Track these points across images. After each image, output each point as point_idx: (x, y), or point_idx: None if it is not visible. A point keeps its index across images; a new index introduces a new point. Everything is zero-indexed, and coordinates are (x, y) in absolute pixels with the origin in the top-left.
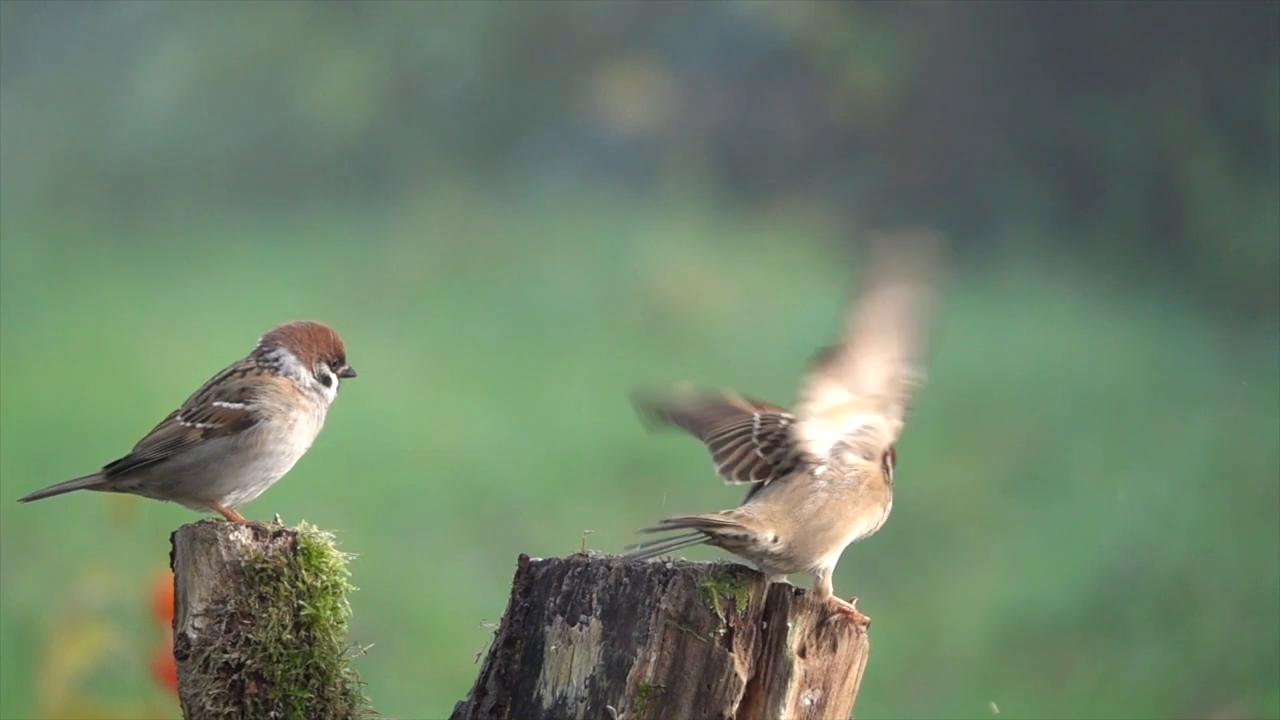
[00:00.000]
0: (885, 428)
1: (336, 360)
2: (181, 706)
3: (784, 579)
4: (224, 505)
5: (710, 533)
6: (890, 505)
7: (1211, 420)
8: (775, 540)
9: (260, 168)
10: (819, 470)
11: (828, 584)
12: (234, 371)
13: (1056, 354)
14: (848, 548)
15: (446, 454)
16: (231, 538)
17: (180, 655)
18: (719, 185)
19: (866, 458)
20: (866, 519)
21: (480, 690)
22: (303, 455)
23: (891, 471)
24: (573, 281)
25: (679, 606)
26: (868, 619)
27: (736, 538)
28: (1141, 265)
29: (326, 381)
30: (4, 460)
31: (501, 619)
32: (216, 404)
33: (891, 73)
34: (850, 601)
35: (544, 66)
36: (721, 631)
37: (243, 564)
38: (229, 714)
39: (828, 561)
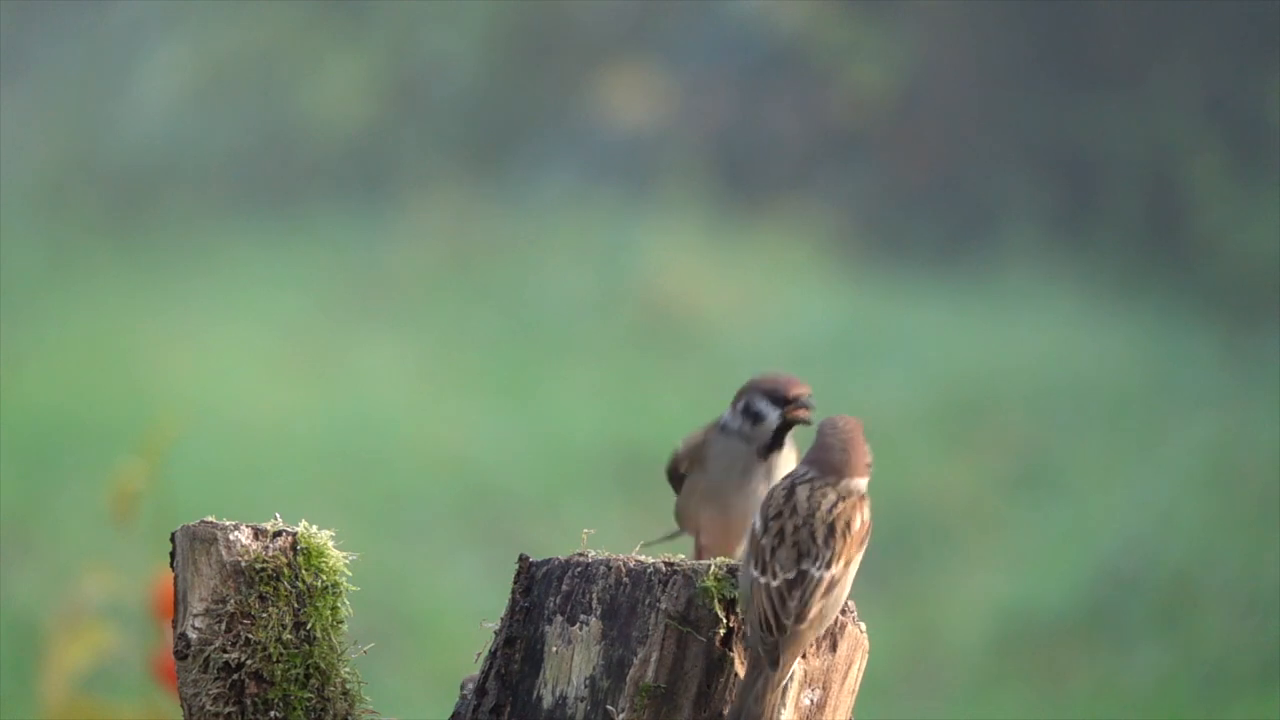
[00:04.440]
0: None
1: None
2: (181, 706)
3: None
4: None
5: None
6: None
7: (1211, 420)
8: None
9: (260, 168)
10: None
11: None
12: None
13: (1056, 354)
14: None
15: (446, 454)
16: (231, 537)
17: (180, 655)
18: (719, 185)
19: None
20: None
21: (480, 690)
22: None
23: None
24: (573, 281)
25: (679, 606)
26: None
27: None
28: (1141, 265)
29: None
30: (4, 460)
31: (501, 619)
32: None
33: (891, 73)
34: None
35: (544, 66)
36: (721, 631)
37: (243, 564)
38: (229, 714)
39: None
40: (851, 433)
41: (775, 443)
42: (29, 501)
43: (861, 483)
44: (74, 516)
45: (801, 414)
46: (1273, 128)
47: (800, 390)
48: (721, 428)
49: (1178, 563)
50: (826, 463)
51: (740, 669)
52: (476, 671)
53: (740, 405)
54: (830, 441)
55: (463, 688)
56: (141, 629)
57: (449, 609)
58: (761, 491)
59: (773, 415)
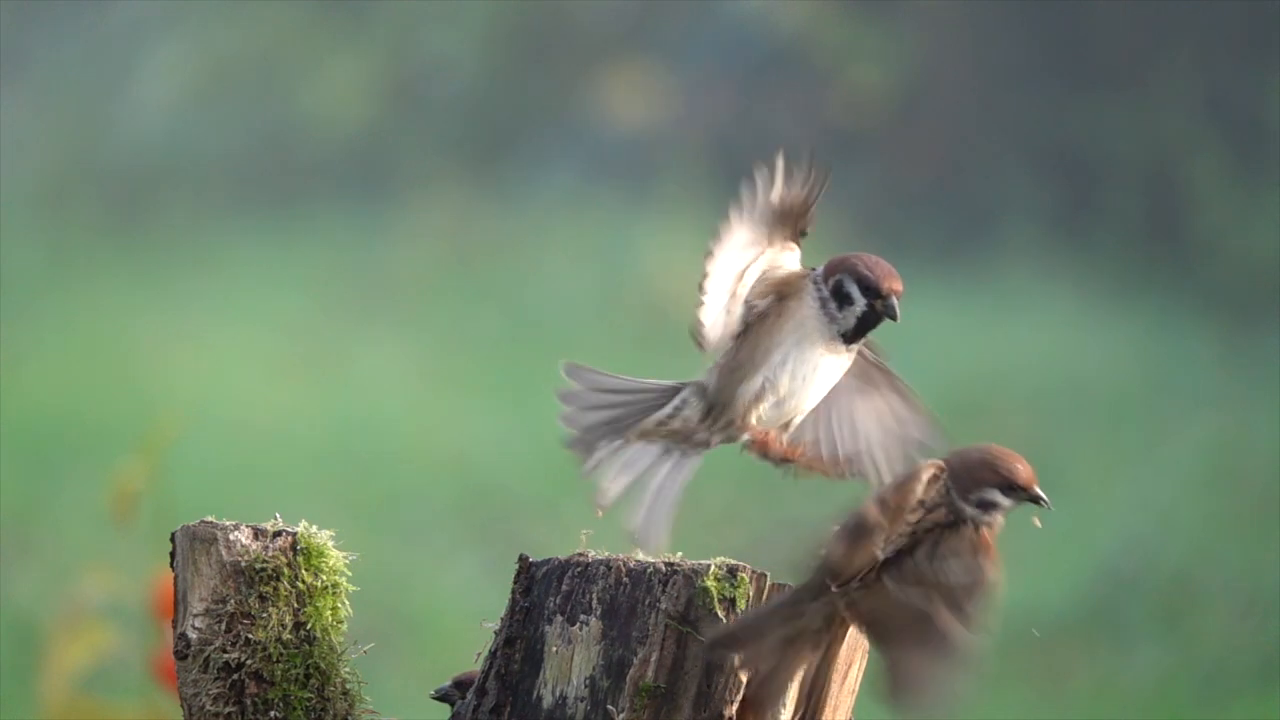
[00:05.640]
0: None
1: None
2: (181, 706)
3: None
4: None
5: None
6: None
7: (1211, 420)
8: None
9: (260, 168)
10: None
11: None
12: None
13: (1056, 354)
14: None
15: (446, 454)
16: (231, 537)
17: (180, 655)
18: (719, 185)
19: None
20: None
21: (480, 690)
22: None
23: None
24: (573, 281)
25: (679, 606)
26: (795, 452)
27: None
28: (1141, 265)
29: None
30: (4, 460)
31: (501, 619)
32: None
33: (891, 73)
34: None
35: (544, 66)
36: None
37: (243, 564)
38: (229, 714)
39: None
40: (969, 462)
41: (857, 333)
42: (29, 501)
43: (963, 508)
44: (74, 516)
45: (888, 312)
46: (1273, 128)
47: (895, 286)
48: (814, 281)
49: (1178, 563)
50: (949, 463)
51: (740, 670)
52: (448, 682)
53: (833, 281)
54: (961, 456)
55: (442, 694)
56: (141, 629)
57: (449, 609)
58: (823, 372)
59: (860, 303)
